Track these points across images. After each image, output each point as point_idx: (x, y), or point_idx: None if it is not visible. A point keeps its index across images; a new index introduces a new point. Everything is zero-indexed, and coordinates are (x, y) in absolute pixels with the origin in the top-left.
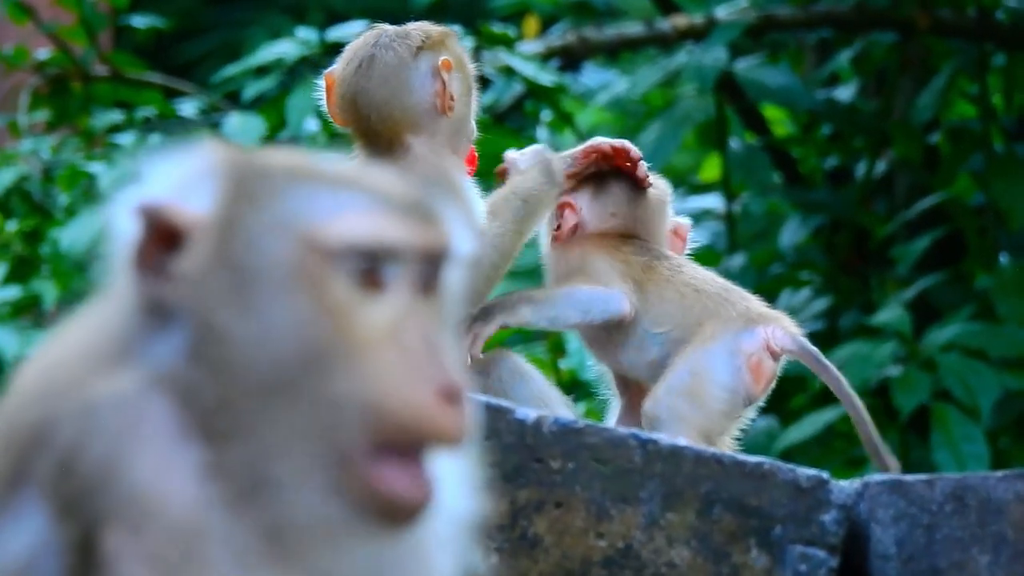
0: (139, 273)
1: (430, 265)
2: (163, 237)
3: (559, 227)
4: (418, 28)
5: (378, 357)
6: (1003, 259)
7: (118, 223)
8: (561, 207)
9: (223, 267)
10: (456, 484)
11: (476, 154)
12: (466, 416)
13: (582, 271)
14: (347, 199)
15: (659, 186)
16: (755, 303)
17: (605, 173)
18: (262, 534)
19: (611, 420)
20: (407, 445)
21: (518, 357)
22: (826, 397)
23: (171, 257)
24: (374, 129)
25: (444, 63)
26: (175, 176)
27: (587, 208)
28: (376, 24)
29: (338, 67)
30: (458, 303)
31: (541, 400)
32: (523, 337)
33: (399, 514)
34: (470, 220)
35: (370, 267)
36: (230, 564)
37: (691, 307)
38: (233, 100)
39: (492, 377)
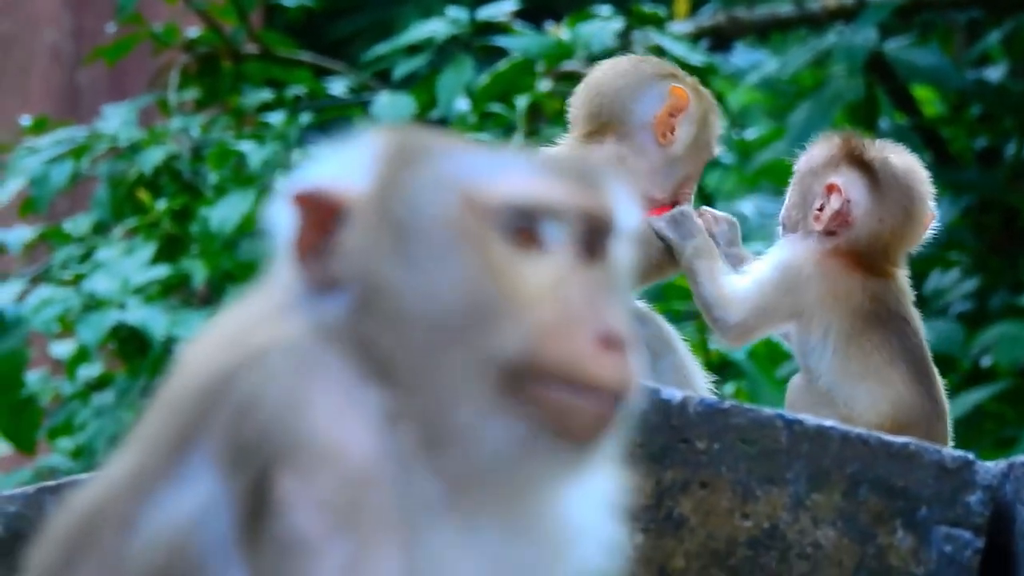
0: (300, 259)
1: (593, 230)
2: (322, 220)
3: (821, 207)
4: (677, 69)
5: (538, 309)
6: None
7: (279, 211)
8: (828, 189)
9: (387, 230)
10: (600, 466)
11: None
12: (630, 365)
13: (793, 303)
14: (506, 161)
15: (921, 172)
16: None
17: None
18: (446, 482)
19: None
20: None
21: (663, 321)
22: (975, 377)
23: (332, 237)
24: (593, 120)
25: (679, 98)
26: (334, 161)
27: (861, 200)
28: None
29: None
30: (626, 276)
31: (679, 370)
32: (675, 317)
33: (581, 429)
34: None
35: (528, 225)
36: (408, 513)
37: None
38: (383, 79)
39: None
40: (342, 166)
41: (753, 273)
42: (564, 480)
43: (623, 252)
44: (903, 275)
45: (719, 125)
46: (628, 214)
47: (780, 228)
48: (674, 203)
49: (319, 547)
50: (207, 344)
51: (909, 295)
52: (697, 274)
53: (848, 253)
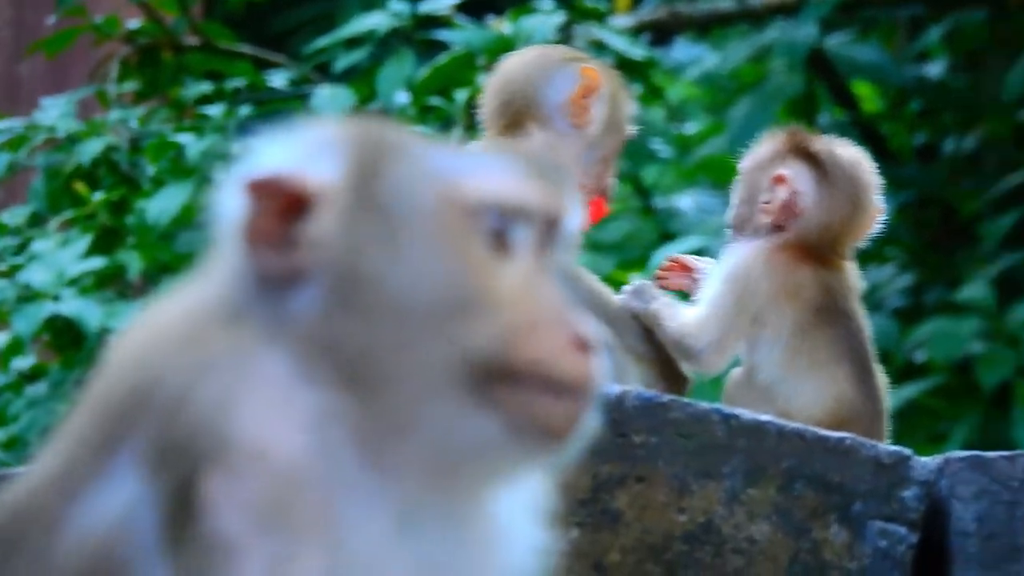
0: (257, 246)
1: (551, 230)
2: (282, 209)
3: (769, 201)
4: (583, 54)
5: (514, 308)
6: None
7: (227, 200)
8: (776, 181)
9: (368, 222)
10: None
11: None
12: (598, 367)
13: (753, 307)
14: (483, 159)
15: (866, 164)
16: None
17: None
18: (394, 482)
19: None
20: (543, 386)
21: (595, 280)
22: (910, 372)
23: (293, 227)
24: (506, 111)
25: (591, 78)
26: (287, 150)
27: (809, 191)
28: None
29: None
30: (562, 274)
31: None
32: None
33: (552, 428)
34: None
35: (502, 225)
36: (341, 514)
37: None
38: (324, 72)
39: None
40: (299, 155)
41: (706, 294)
42: (524, 479)
43: (565, 249)
44: (853, 269)
45: (631, 104)
46: (575, 213)
47: (729, 230)
48: (600, 191)
49: (244, 547)
50: (137, 338)
51: (858, 290)
52: (659, 318)
53: (797, 247)
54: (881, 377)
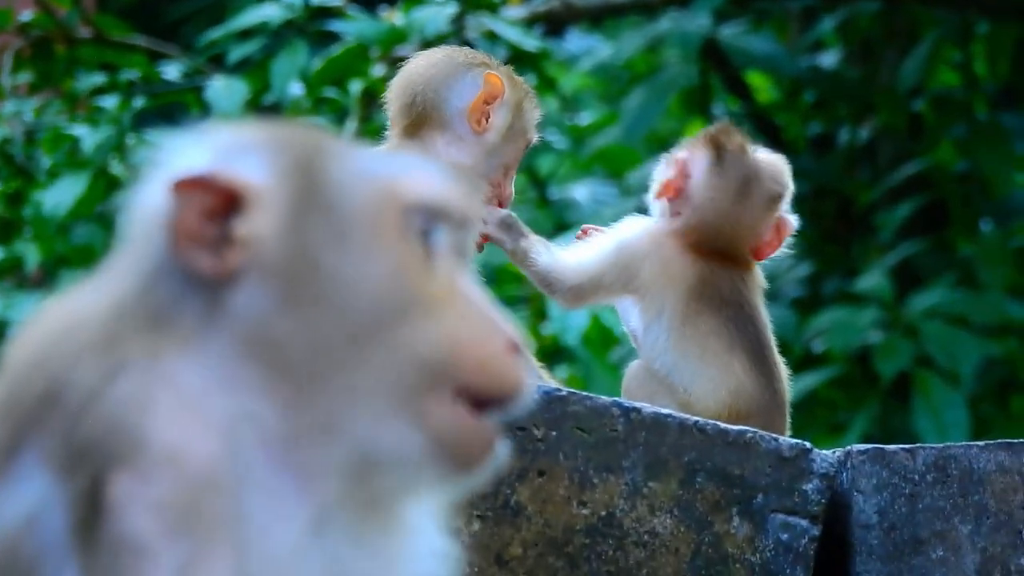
0: (185, 245)
1: (464, 233)
2: (212, 208)
3: (666, 181)
4: (490, 59)
5: (452, 311)
6: (985, 227)
7: (147, 197)
8: (676, 162)
9: (304, 224)
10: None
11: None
12: (527, 373)
13: (627, 278)
14: (409, 160)
15: (780, 176)
16: None
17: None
18: (315, 487)
19: None
20: (480, 394)
21: None
22: (807, 362)
23: (223, 225)
24: (409, 112)
25: (493, 85)
26: (209, 150)
27: (699, 177)
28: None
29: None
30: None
31: None
32: (508, 301)
33: (472, 455)
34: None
35: (428, 227)
36: (258, 518)
37: None
38: (218, 63)
39: None
40: (222, 155)
41: (594, 243)
42: (436, 492)
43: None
44: (756, 269)
45: (535, 111)
46: (477, 216)
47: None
48: (500, 198)
49: (152, 549)
50: (44, 334)
51: (756, 285)
52: (530, 251)
53: (687, 235)
54: (782, 369)
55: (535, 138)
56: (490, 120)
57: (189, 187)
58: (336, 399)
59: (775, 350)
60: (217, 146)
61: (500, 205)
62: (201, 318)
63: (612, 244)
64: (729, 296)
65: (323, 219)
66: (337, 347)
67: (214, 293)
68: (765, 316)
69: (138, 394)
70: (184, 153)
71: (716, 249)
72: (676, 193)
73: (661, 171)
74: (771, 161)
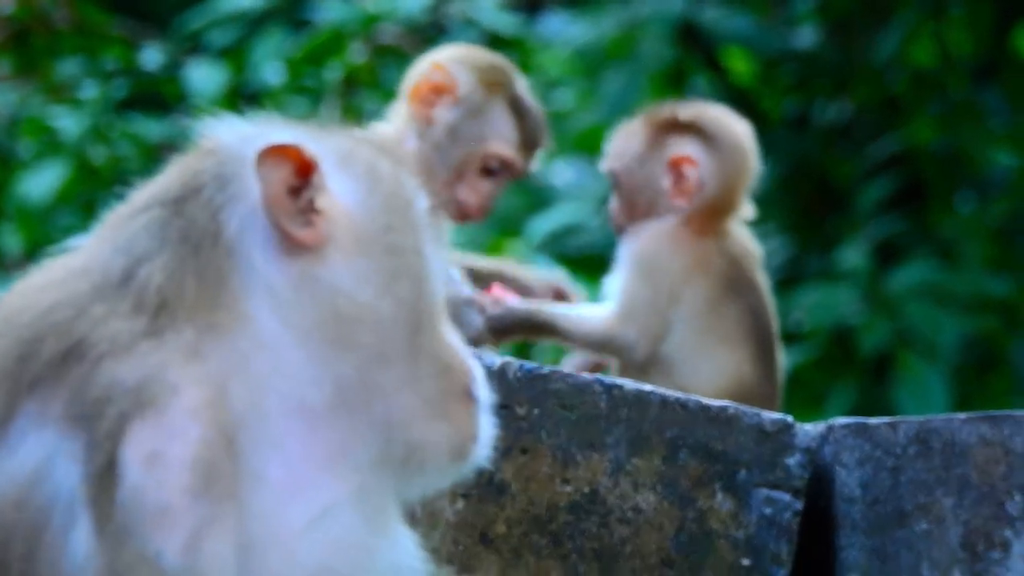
0: (276, 211)
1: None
2: (298, 177)
3: (675, 185)
4: (477, 57)
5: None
6: (963, 203)
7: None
8: (676, 163)
9: (379, 206)
10: None
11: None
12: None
13: (668, 284)
14: (415, 178)
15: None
16: None
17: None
18: (358, 465)
19: None
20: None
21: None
22: (786, 339)
23: (303, 197)
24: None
25: (440, 77)
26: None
27: (703, 160)
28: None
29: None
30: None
31: None
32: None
33: (469, 451)
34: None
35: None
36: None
37: None
38: (197, 49)
39: None
40: (292, 134)
41: (614, 288)
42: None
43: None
44: (745, 233)
45: (505, 125)
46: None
47: (615, 231)
48: (456, 204)
49: (173, 506)
50: (48, 292)
51: (756, 256)
52: (555, 322)
53: (697, 219)
54: (781, 356)
55: (510, 155)
56: (431, 110)
57: (276, 155)
58: (391, 385)
59: (776, 333)
60: (283, 127)
61: (464, 215)
62: (265, 287)
63: (634, 270)
64: (749, 276)
65: (396, 205)
66: (403, 334)
67: (288, 263)
68: (768, 291)
69: (173, 353)
70: (257, 132)
71: (720, 224)
72: (701, 186)
73: (659, 181)
74: (718, 112)
